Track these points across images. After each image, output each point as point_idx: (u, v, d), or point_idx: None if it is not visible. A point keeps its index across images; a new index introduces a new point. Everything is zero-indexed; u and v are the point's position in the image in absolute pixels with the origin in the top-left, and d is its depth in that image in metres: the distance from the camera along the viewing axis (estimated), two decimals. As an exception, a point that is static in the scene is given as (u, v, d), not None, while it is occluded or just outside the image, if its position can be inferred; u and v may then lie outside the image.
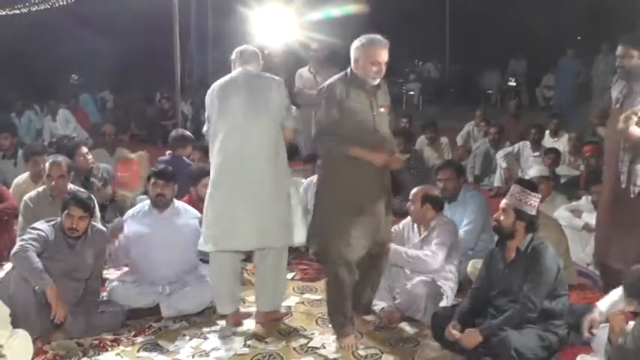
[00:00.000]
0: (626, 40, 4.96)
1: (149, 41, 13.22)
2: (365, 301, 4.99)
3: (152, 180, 5.32)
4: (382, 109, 4.57)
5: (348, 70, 4.54)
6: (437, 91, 19.15)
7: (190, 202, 5.80)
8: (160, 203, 5.27)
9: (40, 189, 5.98)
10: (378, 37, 4.49)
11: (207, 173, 6.03)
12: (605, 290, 5.37)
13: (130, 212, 5.48)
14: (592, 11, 15.12)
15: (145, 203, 5.45)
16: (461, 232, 5.75)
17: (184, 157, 7.25)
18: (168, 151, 7.39)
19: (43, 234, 4.67)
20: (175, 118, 9.91)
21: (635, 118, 4.65)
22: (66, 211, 4.74)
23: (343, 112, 4.41)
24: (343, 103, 4.41)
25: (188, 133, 7.64)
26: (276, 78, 4.85)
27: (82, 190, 5.95)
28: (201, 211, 5.10)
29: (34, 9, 11.90)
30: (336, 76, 4.55)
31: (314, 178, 6.80)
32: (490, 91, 18.10)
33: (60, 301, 4.44)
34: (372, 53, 4.42)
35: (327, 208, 4.57)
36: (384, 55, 4.45)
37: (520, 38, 16.84)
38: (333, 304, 4.68)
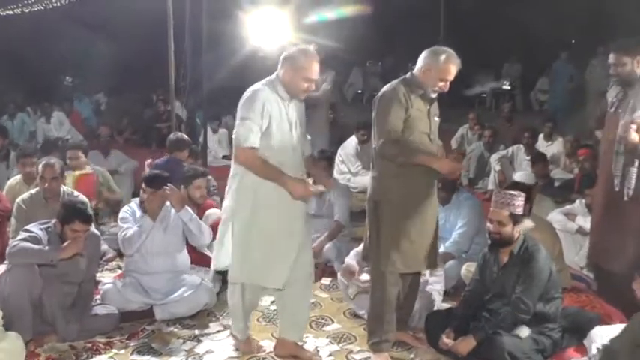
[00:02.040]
0: (617, 47, 4.94)
1: (144, 43, 13.18)
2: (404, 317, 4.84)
3: (143, 185, 5.30)
4: (436, 118, 4.48)
5: (409, 75, 4.38)
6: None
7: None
8: (148, 212, 5.22)
9: (34, 191, 5.97)
10: (456, 55, 4.33)
11: (201, 175, 6.04)
12: (599, 293, 5.41)
13: (123, 214, 5.35)
14: (587, 15, 15.13)
15: (134, 204, 5.41)
16: (455, 234, 5.78)
17: (182, 161, 7.22)
18: (166, 154, 7.37)
19: (36, 237, 4.64)
20: (170, 120, 9.88)
21: (634, 126, 4.66)
22: (70, 225, 4.65)
23: (407, 120, 4.28)
24: (408, 110, 4.27)
25: (186, 137, 7.62)
26: None
27: (74, 192, 5.95)
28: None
29: (27, 10, 11.86)
30: (395, 82, 4.36)
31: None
32: (484, 95, 18.15)
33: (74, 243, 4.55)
34: (447, 70, 4.27)
35: (389, 216, 4.35)
36: (454, 74, 4.33)
37: (514, 41, 16.84)
38: (376, 316, 4.54)
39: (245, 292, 4.45)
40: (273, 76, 4.26)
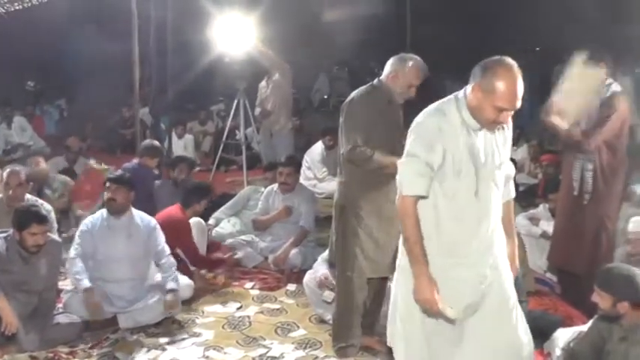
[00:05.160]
0: (583, 54, 5.02)
1: (108, 47, 13.04)
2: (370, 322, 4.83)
3: (106, 184, 5.24)
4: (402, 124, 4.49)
5: (376, 81, 4.39)
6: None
7: (181, 216, 5.99)
8: (111, 209, 5.16)
9: (-4, 198, 5.86)
10: (422, 61, 4.33)
11: (210, 193, 6.45)
12: (562, 296, 5.48)
13: (83, 226, 5.26)
14: (554, 22, 15.35)
15: (99, 212, 5.33)
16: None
17: (151, 168, 7.16)
18: (135, 159, 7.30)
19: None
20: (134, 126, 9.79)
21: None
22: (27, 230, 4.56)
23: (374, 125, 4.28)
24: (375, 115, 4.28)
25: (159, 145, 7.55)
26: None
27: (38, 199, 5.86)
28: (181, 221, 5.42)
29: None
30: (363, 88, 4.38)
31: (274, 186, 6.81)
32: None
33: (11, 313, 4.35)
34: (414, 75, 4.29)
35: (356, 221, 4.34)
36: (421, 80, 4.34)
37: (480, 49, 17.01)
38: (341, 320, 4.55)
39: None
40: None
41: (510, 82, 2.98)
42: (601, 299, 3.59)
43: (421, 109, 3.23)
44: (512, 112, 3.06)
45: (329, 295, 5.03)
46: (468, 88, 3.11)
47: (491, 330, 3.22)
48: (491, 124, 3.09)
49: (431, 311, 3.11)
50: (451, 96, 3.20)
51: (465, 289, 3.18)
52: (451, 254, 3.17)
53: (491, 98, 2.99)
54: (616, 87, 4.99)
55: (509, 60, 3.06)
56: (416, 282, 3.10)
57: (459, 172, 3.08)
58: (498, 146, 3.21)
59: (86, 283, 4.95)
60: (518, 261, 3.45)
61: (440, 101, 3.20)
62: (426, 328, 3.23)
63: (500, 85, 2.96)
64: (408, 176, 3.10)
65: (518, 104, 3.02)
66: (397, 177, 3.15)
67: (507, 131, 3.29)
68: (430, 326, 3.23)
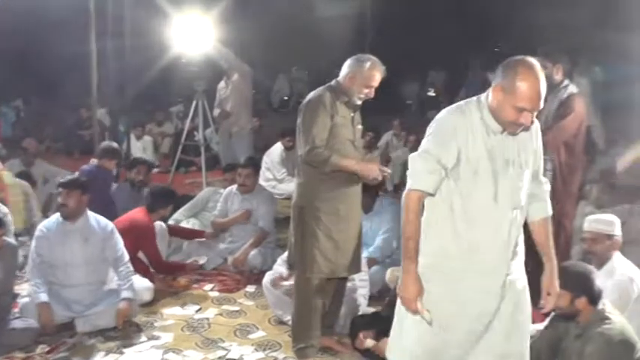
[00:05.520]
0: (542, 52, 5.11)
1: (65, 47, 12.86)
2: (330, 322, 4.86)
3: (59, 189, 5.17)
4: (359, 126, 4.52)
5: (334, 82, 4.41)
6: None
7: (146, 220, 5.95)
8: (63, 214, 5.08)
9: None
10: (380, 62, 4.36)
11: (175, 198, 6.44)
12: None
13: (39, 232, 5.16)
14: (508, 23, 15.57)
15: (54, 217, 5.24)
16: (378, 239, 5.85)
17: (110, 170, 7.09)
18: (93, 160, 7.21)
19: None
20: (93, 127, 9.68)
21: None
22: None
23: (332, 127, 4.30)
24: (334, 117, 4.29)
25: (117, 147, 7.48)
26: None
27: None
28: (146, 226, 5.47)
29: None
30: (321, 89, 4.38)
31: (233, 187, 6.80)
32: (410, 102, 18.46)
33: None
34: (372, 76, 4.31)
35: (314, 222, 4.36)
36: (378, 82, 4.37)
37: (439, 50, 17.15)
38: (300, 321, 4.57)
39: None
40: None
41: (532, 82, 2.92)
42: (559, 297, 3.66)
43: (380, 110, 3.25)
44: (535, 113, 3.00)
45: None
46: (490, 89, 3.04)
47: (502, 342, 3.16)
48: (512, 126, 3.01)
49: (409, 309, 3.09)
50: (474, 97, 3.14)
51: (476, 295, 3.10)
52: (466, 258, 3.08)
53: (512, 98, 2.93)
54: (572, 88, 5.09)
55: (531, 60, 2.99)
56: (403, 277, 3.07)
57: (476, 172, 3.02)
58: (526, 154, 3.12)
59: (43, 297, 4.88)
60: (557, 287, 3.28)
61: (463, 101, 3.15)
62: (441, 330, 3.14)
63: (522, 85, 2.90)
64: (418, 171, 3.05)
65: (541, 104, 2.97)
66: (407, 172, 3.11)
67: (536, 141, 3.20)
68: (445, 329, 3.14)
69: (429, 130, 3.14)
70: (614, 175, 7.08)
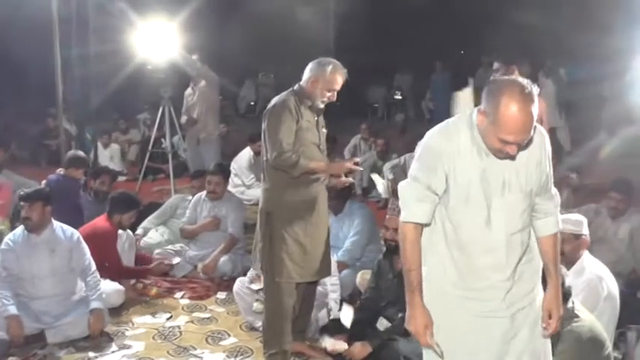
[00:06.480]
0: (495, 55, 5.18)
1: (28, 55, 12.71)
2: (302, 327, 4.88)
3: (21, 202, 5.10)
4: (324, 130, 4.54)
5: (297, 86, 4.42)
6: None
7: (107, 227, 5.87)
8: (27, 227, 5.02)
9: None
10: (341, 65, 4.38)
11: (139, 205, 6.26)
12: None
13: (4, 245, 5.09)
14: (474, 25, 15.73)
15: (20, 229, 5.17)
16: (347, 243, 5.88)
17: (77, 179, 7.02)
18: (60, 169, 7.14)
19: None
20: (59, 137, 9.58)
21: None
22: None
23: (297, 131, 4.31)
24: (299, 121, 4.31)
25: (84, 155, 7.42)
26: None
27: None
28: (107, 231, 5.38)
29: None
30: (285, 94, 4.40)
31: (202, 194, 6.78)
32: (376, 105, 18.55)
33: None
34: (334, 80, 4.33)
35: (282, 227, 4.37)
36: (340, 85, 4.39)
37: (405, 52, 17.26)
38: (271, 326, 4.56)
39: None
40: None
41: (516, 114, 2.61)
42: None
43: (347, 114, 3.22)
44: (519, 146, 2.72)
45: (258, 306, 5.05)
46: (477, 109, 2.79)
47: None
48: (498, 154, 2.76)
49: (420, 343, 2.95)
50: (468, 111, 2.87)
51: (477, 326, 2.95)
52: (461, 286, 2.94)
53: (494, 129, 2.66)
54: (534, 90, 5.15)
55: (520, 83, 2.69)
56: (409, 311, 2.90)
57: (467, 199, 2.83)
58: (527, 169, 2.86)
59: (12, 309, 4.82)
60: (561, 307, 3.06)
61: (453, 118, 2.93)
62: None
63: (505, 116, 2.61)
64: (408, 201, 2.90)
65: (527, 136, 2.70)
66: (399, 202, 2.97)
67: (542, 150, 2.92)
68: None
69: (416, 154, 3.01)
70: (579, 176, 7.20)
